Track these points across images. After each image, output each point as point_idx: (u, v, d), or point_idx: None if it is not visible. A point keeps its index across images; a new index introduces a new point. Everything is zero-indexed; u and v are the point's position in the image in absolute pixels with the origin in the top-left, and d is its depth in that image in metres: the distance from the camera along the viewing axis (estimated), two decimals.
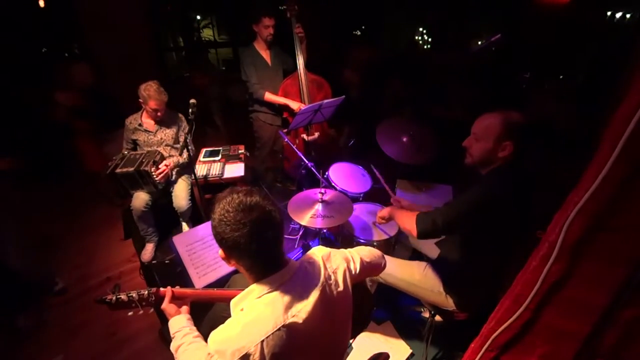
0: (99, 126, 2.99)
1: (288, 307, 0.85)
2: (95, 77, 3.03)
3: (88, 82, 2.94)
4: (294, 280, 0.90)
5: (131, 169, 2.19)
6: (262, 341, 0.79)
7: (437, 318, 1.72)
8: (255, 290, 0.87)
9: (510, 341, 0.87)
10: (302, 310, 0.87)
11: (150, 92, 2.23)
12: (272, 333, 0.80)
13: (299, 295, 0.88)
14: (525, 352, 0.85)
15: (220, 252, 0.88)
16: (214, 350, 0.80)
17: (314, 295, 0.90)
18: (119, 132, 2.54)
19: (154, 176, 2.27)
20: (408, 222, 1.47)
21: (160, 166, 2.32)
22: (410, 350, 1.92)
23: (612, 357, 0.75)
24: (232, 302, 0.92)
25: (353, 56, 3.94)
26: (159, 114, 2.31)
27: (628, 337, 0.73)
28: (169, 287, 1.20)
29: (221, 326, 0.83)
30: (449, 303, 1.59)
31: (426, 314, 2.05)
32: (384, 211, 1.73)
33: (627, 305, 0.70)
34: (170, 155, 2.46)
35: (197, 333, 1.10)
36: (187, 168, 2.53)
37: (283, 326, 0.82)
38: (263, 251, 0.85)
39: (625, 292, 0.69)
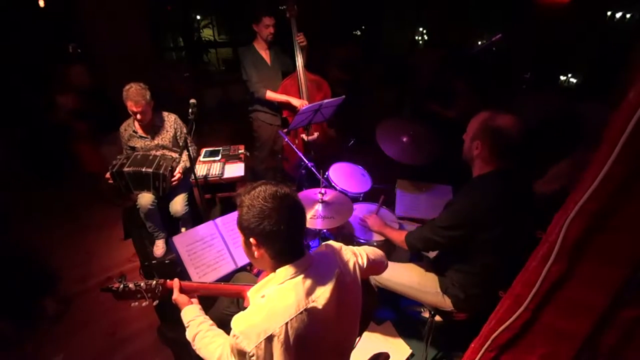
0: (97, 128, 2.98)
1: (309, 292, 0.90)
2: (92, 78, 3.02)
3: (85, 84, 2.94)
4: (313, 267, 0.94)
5: (149, 170, 2.16)
6: (287, 323, 0.83)
7: (437, 318, 1.72)
8: (277, 276, 0.91)
9: (510, 341, 0.87)
10: (321, 296, 0.91)
11: (129, 93, 2.13)
12: (296, 316, 0.85)
13: (318, 281, 0.92)
14: (525, 352, 0.85)
15: (252, 240, 0.89)
16: (239, 332, 0.83)
17: (331, 282, 0.94)
18: (118, 134, 2.54)
19: (169, 181, 2.25)
20: (398, 240, 1.65)
21: (175, 173, 2.33)
22: (410, 350, 1.92)
23: (612, 357, 0.75)
24: (252, 291, 0.96)
25: (336, 55, 3.97)
26: (138, 117, 2.20)
27: (628, 337, 0.73)
28: (176, 279, 1.22)
29: (244, 312, 0.87)
30: (446, 303, 1.59)
31: (426, 314, 2.04)
32: (374, 227, 1.86)
33: (627, 305, 0.70)
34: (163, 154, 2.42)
35: (211, 322, 1.13)
36: (187, 172, 2.47)
37: (305, 309, 0.87)
38: (294, 236, 0.91)
39: (625, 292, 0.69)
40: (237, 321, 0.85)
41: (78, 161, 3.15)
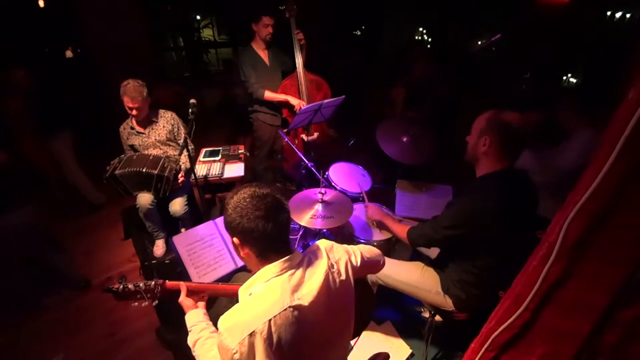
0: (43, 129, 2.93)
1: (295, 289, 0.90)
2: (35, 80, 2.94)
3: (28, 86, 2.88)
4: (300, 265, 0.95)
5: (153, 171, 2.14)
6: (270, 320, 0.83)
7: (437, 318, 1.72)
8: (263, 274, 0.92)
9: (510, 341, 0.87)
10: (308, 294, 0.91)
11: (126, 89, 2.14)
12: (279, 313, 0.84)
13: (305, 279, 0.93)
14: (525, 352, 0.85)
15: (235, 239, 0.92)
16: (223, 329, 0.83)
17: (319, 281, 0.94)
18: (64, 134, 2.83)
19: (171, 185, 2.25)
20: (400, 234, 1.65)
21: (179, 177, 2.33)
22: (410, 350, 1.92)
23: (613, 356, 0.75)
24: (241, 289, 0.96)
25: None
26: (134, 112, 2.21)
27: (628, 337, 0.73)
28: (182, 282, 1.22)
29: (230, 309, 0.87)
30: (447, 303, 1.59)
31: (426, 314, 2.04)
32: (375, 215, 1.85)
33: (627, 305, 0.70)
34: (167, 155, 2.40)
35: (213, 328, 1.12)
36: (187, 173, 2.45)
37: (290, 307, 0.86)
38: (277, 233, 0.91)
39: (625, 292, 0.69)
40: (223, 319, 0.85)
41: (29, 162, 3.03)
